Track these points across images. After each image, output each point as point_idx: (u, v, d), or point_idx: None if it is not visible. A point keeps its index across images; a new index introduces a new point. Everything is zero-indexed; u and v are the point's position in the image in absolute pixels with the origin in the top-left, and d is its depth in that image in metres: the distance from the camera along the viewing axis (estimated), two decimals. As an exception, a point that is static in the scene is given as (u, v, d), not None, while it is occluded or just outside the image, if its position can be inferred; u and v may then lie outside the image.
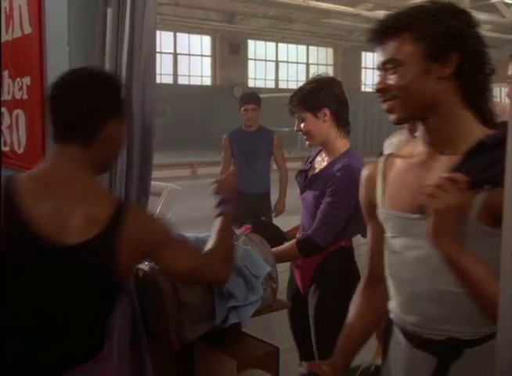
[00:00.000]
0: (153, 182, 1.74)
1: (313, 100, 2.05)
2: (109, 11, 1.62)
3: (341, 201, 2.00)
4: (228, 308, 1.68)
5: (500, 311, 0.82)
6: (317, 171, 2.14)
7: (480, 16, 14.02)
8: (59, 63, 1.76)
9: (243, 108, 4.19)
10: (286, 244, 2.11)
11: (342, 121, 2.11)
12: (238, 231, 1.97)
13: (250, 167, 4.10)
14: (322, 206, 2.05)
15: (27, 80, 1.94)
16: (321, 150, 2.21)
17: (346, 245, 2.14)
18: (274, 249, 2.00)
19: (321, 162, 2.17)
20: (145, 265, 1.75)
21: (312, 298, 2.16)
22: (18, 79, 2.00)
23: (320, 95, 2.05)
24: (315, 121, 2.07)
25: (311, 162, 2.23)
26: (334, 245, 2.10)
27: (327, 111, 2.06)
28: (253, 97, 4.31)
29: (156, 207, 1.84)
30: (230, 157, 4.28)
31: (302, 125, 2.10)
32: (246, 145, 4.19)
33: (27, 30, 1.91)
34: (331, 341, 2.06)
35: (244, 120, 4.21)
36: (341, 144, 2.12)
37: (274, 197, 4.36)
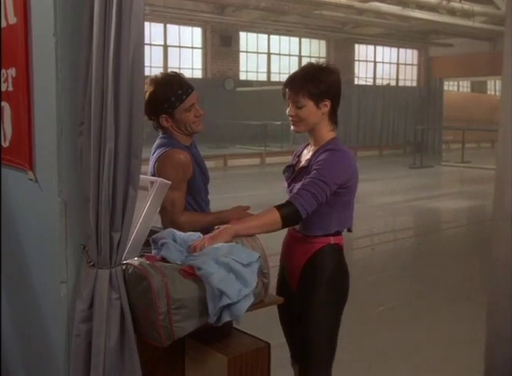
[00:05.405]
0: (141, 176, 1.71)
1: (319, 89, 2.01)
2: (97, 1, 1.58)
3: (326, 175, 1.96)
4: (221, 307, 1.66)
5: (487, 319, 0.81)
6: (303, 163, 2.12)
7: (474, 7, 14.07)
8: (44, 54, 1.73)
9: (188, 103, 2.21)
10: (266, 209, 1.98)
11: (335, 114, 2.11)
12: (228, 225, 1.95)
13: (207, 205, 2.38)
14: (305, 180, 1.99)
15: (12, 71, 1.90)
16: (308, 145, 2.20)
17: (334, 242, 2.11)
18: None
19: (307, 154, 2.16)
20: (134, 261, 1.73)
21: (300, 295, 2.13)
22: (3, 70, 1.96)
23: (326, 85, 2.01)
24: (315, 110, 2.04)
25: (299, 156, 2.22)
26: (322, 241, 2.09)
27: (328, 103, 2.04)
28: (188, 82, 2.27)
29: (146, 201, 1.81)
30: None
31: (300, 111, 2.05)
32: (204, 168, 2.36)
33: (12, 20, 1.87)
34: (317, 340, 2.07)
35: (194, 120, 2.24)
36: (329, 135, 2.12)
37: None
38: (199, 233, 1.93)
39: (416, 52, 21.83)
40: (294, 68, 20.55)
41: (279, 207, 1.93)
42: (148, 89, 2.17)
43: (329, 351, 2.12)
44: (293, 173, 2.16)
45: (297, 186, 2.04)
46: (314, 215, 2.02)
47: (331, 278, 2.09)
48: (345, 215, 2.12)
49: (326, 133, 2.10)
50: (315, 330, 2.08)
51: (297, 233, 2.15)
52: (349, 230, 2.18)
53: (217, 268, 1.69)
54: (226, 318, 1.67)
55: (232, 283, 1.68)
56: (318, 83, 2.01)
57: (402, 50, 21.50)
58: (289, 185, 2.17)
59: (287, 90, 2.07)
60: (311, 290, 2.10)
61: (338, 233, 2.13)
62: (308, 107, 2.03)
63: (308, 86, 2.01)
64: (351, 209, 2.14)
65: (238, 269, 1.71)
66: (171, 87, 2.18)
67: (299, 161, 2.19)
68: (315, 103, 2.03)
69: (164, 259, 1.77)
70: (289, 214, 1.92)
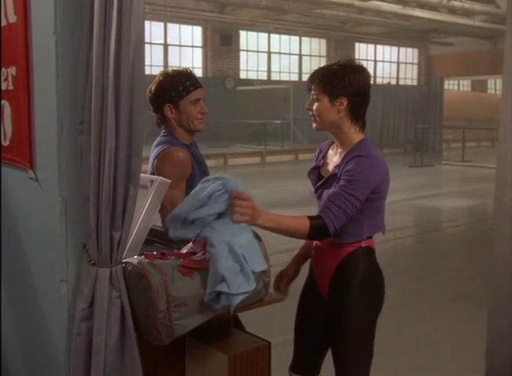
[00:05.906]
0: (142, 175, 1.71)
1: (334, 85, 1.97)
2: (97, -1, 1.58)
3: (356, 188, 1.90)
4: (218, 291, 1.66)
5: (488, 318, 0.81)
6: (331, 167, 2.05)
7: (475, 6, 14.07)
8: (45, 52, 1.72)
9: (194, 96, 2.25)
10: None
11: (358, 115, 2.02)
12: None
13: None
14: (333, 189, 1.94)
15: (12, 70, 1.90)
16: (332, 143, 2.14)
17: (366, 245, 2.06)
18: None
19: (333, 156, 2.09)
20: (134, 259, 1.73)
21: (332, 297, 2.08)
22: (3, 69, 1.96)
23: (343, 82, 1.97)
24: (330, 106, 1.99)
25: (324, 157, 2.14)
26: (353, 246, 2.04)
27: (345, 101, 1.98)
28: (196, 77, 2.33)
29: (146, 200, 1.81)
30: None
31: (315, 106, 2.02)
32: (205, 167, 2.36)
33: (12, 18, 1.87)
34: (353, 341, 2.04)
35: (197, 117, 2.26)
36: (355, 136, 2.03)
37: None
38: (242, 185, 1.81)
39: (416, 50, 21.83)
40: (295, 67, 20.55)
41: (310, 218, 1.90)
42: (157, 80, 2.25)
43: (366, 352, 2.08)
44: (320, 178, 2.09)
45: (326, 192, 2.00)
46: (345, 223, 1.96)
47: (364, 278, 2.04)
48: (377, 219, 2.07)
49: (352, 134, 2.03)
50: (351, 331, 2.03)
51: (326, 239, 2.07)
52: (382, 233, 2.12)
53: (226, 254, 1.68)
54: (223, 302, 1.66)
55: (235, 275, 1.67)
56: (333, 79, 1.97)
57: (402, 49, 21.50)
58: (316, 190, 2.09)
59: (310, 84, 2.04)
60: (345, 289, 2.04)
61: (370, 237, 2.08)
62: (323, 102, 1.99)
63: (324, 81, 1.98)
64: (383, 211, 2.08)
65: (245, 266, 1.71)
66: (180, 78, 2.24)
67: (325, 163, 2.12)
68: (329, 99, 1.98)
69: (163, 256, 1.77)
70: (318, 226, 1.89)
